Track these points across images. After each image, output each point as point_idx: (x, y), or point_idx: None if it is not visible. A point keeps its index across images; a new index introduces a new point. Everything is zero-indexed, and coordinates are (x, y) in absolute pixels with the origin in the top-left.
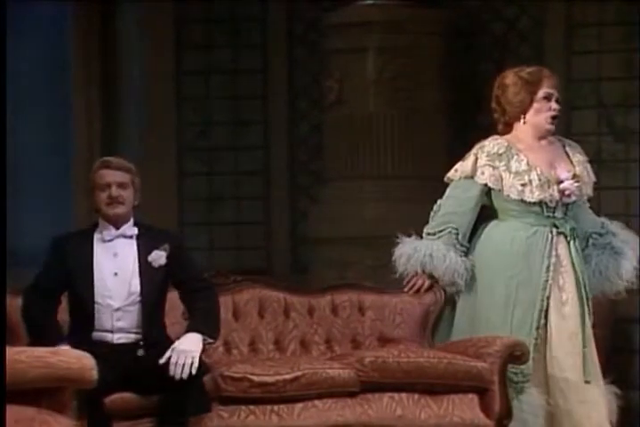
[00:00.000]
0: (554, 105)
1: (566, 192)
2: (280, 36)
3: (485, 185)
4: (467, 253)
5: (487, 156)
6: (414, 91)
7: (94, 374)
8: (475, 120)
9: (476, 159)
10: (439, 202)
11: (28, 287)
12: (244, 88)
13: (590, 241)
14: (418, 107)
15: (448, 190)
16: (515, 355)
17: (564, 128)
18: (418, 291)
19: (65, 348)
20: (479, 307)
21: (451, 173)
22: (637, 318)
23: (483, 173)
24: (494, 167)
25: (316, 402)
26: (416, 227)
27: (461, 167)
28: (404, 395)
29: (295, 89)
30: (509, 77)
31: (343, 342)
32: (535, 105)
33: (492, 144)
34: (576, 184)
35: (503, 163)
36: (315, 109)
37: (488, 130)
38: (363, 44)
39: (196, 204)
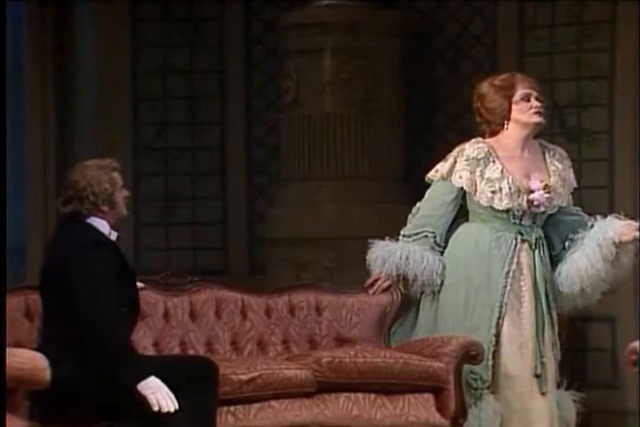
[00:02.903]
0: (535, 103)
1: (535, 202)
2: (237, 37)
3: (461, 188)
4: (443, 253)
5: (466, 160)
6: (371, 91)
7: (47, 375)
8: (431, 121)
9: (455, 162)
10: (418, 204)
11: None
12: (200, 88)
13: (566, 243)
14: (374, 107)
15: (427, 192)
16: (470, 355)
17: None
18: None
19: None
20: (441, 306)
21: (431, 174)
22: (592, 317)
23: (460, 177)
24: (471, 172)
25: (273, 402)
26: (373, 227)
27: (441, 168)
28: (360, 395)
29: (252, 89)
30: (483, 87)
31: (300, 343)
32: (515, 107)
33: (472, 148)
34: (546, 195)
35: (480, 168)
36: (271, 110)
37: (444, 130)
38: (319, 44)
39: (152, 204)
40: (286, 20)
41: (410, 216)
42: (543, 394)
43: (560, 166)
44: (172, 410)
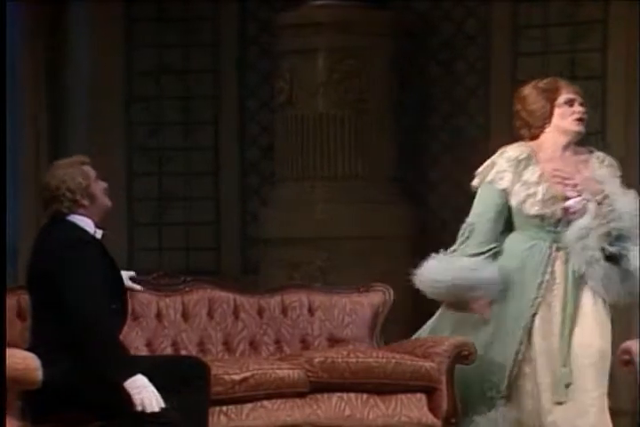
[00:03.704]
0: (577, 108)
1: (571, 210)
2: (231, 37)
3: (504, 190)
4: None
5: (507, 161)
6: (364, 92)
7: (39, 375)
8: (424, 121)
9: (494, 164)
10: (472, 219)
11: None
12: (194, 88)
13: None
14: (368, 107)
15: (475, 202)
16: (462, 355)
17: (510, 128)
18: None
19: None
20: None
21: (474, 182)
22: None
23: (502, 179)
24: (513, 173)
25: (265, 402)
26: (366, 227)
27: (483, 172)
28: (352, 395)
29: (246, 89)
30: (526, 89)
31: (292, 343)
32: (557, 110)
33: (514, 150)
34: (583, 202)
35: (519, 169)
36: (265, 110)
37: (437, 131)
38: (313, 44)
39: (145, 204)
40: (280, 20)
41: (463, 232)
42: (563, 404)
43: (607, 174)
44: (156, 410)
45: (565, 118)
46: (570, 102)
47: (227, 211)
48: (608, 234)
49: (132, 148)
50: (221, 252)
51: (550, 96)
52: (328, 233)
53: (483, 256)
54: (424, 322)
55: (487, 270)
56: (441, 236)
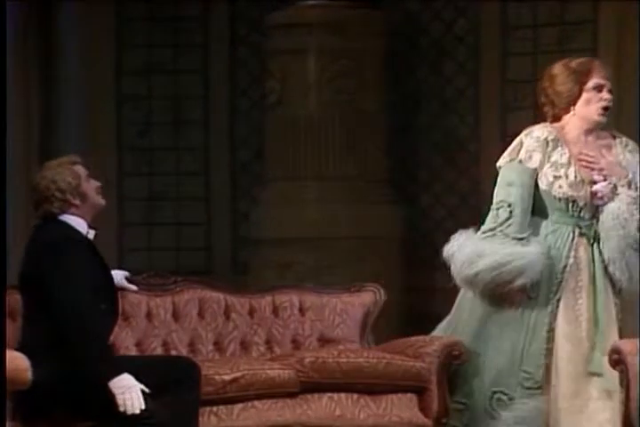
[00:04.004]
0: (605, 95)
1: (599, 194)
2: (222, 36)
3: (535, 169)
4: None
5: (536, 141)
6: (354, 92)
7: (29, 375)
8: (414, 121)
9: (522, 143)
10: (503, 198)
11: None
12: (184, 88)
13: None
14: (359, 107)
15: (503, 183)
16: (453, 354)
17: (500, 128)
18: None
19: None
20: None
21: (500, 162)
22: None
23: (531, 158)
24: (543, 153)
25: (256, 403)
26: (357, 227)
27: (508, 154)
28: (343, 395)
29: (236, 89)
30: (557, 68)
31: (283, 343)
32: (584, 95)
33: (542, 130)
34: (610, 186)
35: (549, 149)
36: (256, 110)
37: (427, 130)
38: (304, 44)
39: (135, 204)
40: (271, 20)
41: (498, 209)
42: (603, 394)
43: (632, 159)
44: (138, 412)
45: (590, 105)
46: (599, 88)
47: (217, 211)
48: None
49: (122, 147)
50: (212, 252)
51: (580, 79)
52: (319, 233)
53: (524, 241)
54: (415, 322)
55: (534, 258)
56: (432, 236)
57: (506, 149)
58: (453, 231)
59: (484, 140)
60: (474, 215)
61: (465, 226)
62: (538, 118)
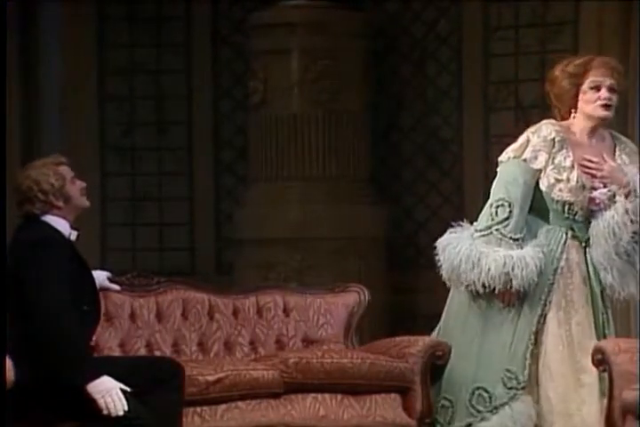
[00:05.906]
0: (604, 94)
1: (596, 201)
2: (204, 36)
3: (538, 170)
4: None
5: (543, 141)
6: (337, 92)
7: (12, 375)
8: (397, 121)
9: (528, 142)
10: (502, 196)
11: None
12: (167, 88)
13: None
14: (341, 108)
15: (503, 179)
16: (436, 355)
17: (483, 128)
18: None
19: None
20: (490, 300)
21: (503, 157)
22: None
23: (536, 158)
24: (548, 153)
25: (240, 403)
26: (340, 228)
27: (513, 151)
28: (327, 395)
29: (219, 89)
30: (555, 71)
31: (267, 344)
32: (582, 96)
33: (549, 129)
34: (610, 194)
35: (554, 150)
36: (239, 110)
37: (409, 131)
38: (286, 44)
39: (118, 204)
40: (253, 20)
41: (496, 208)
42: (595, 397)
43: (628, 161)
44: (121, 413)
45: (589, 105)
46: (596, 88)
47: (201, 211)
48: (636, 231)
49: (104, 147)
50: (195, 252)
51: (576, 81)
52: (302, 234)
53: (520, 241)
54: (399, 322)
55: (530, 261)
56: (416, 236)
57: (489, 148)
58: (437, 231)
59: (467, 141)
60: (457, 215)
61: (448, 226)
62: (525, 119)
